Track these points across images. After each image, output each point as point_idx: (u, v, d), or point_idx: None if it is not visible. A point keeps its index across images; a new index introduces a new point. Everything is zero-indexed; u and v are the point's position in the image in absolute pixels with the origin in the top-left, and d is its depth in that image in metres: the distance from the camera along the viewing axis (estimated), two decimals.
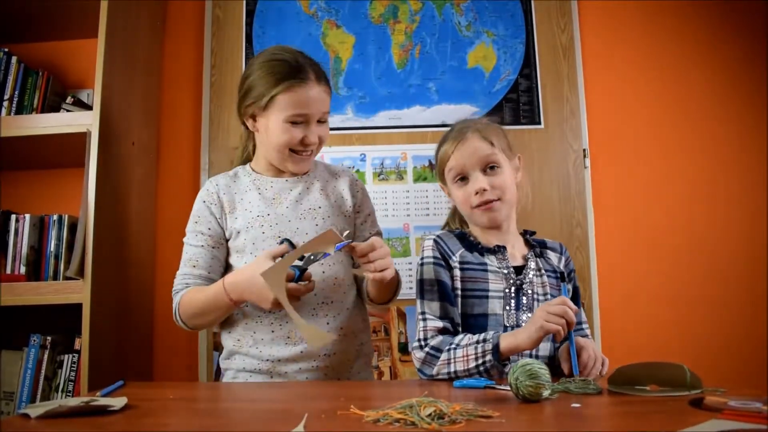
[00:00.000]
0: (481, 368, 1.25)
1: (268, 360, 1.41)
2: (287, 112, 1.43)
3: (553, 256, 1.52)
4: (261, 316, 1.44)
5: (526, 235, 1.55)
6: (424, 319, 1.39)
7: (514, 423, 0.82)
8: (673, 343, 2.33)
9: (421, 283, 1.43)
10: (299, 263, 1.30)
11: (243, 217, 1.48)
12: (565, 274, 1.51)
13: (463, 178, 1.46)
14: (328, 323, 1.43)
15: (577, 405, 0.92)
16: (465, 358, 1.27)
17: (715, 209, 2.43)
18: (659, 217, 2.44)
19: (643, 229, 2.43)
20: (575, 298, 1.52)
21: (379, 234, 1.60)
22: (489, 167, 1.44)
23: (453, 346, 1.30)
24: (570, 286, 1.51)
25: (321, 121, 1.49)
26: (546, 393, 0.94)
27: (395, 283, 1.46)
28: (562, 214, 2.43)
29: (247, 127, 1.54)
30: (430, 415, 0.81)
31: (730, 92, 2.49)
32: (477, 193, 1.43)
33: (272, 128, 1.45)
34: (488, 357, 1.24)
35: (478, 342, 1.27)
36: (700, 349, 2.31)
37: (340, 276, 1.48)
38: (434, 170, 1.61)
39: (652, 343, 2.34)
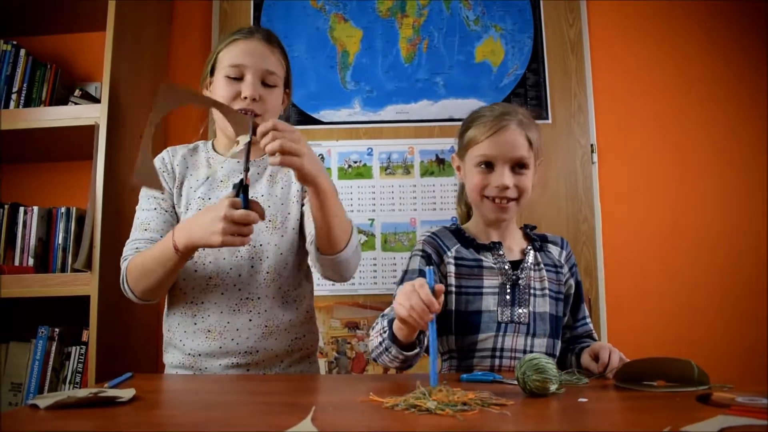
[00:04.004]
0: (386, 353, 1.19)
1: (190, 354, 1.37)
2: (225, 68, 1.40)
3: (554, 249, 1.50)
4: (185, 306, 1.39)
5: (526, 229, 1.52)
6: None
7: (521, 417, 0.82)
8: (680, 339, 2.33)
9: (404, 273, 1.42)
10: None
11: (186, 196, 1.44)
12: (567, 269, 1.50)
13: (488, 165, 1.40)
14: (250, 320, 1.37)
15: (584, 399, 0.92)
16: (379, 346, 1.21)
17: (722, 205, 2.42)
18: (666, 213, 2.43)
19: (651, 225, 2.43)
20: (578, 293, 1.51)
21: None
22: (518, 165, 1.39)
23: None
24: (573, 281, 1.50)
25: (268, 85, 1.41)
26: (553, 387, 0.94)
27: (340, 214, 1.26)
28: (569, 209, 2.42)
29: None
30: (445, 402, 0.82)
31: (738, 88, 2.48)
32: (497, 186, 1.38)
33: (214, 89, 1.43)
34: (392, 349, 1.18)
35: (382, 333, 1.21)
36: (708, 345, 2.31)
37: (266, 270, 1.40)
38: (455, 142, 1.53)
39: (659, 338, 2.33)
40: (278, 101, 1.46)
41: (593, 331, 1.51)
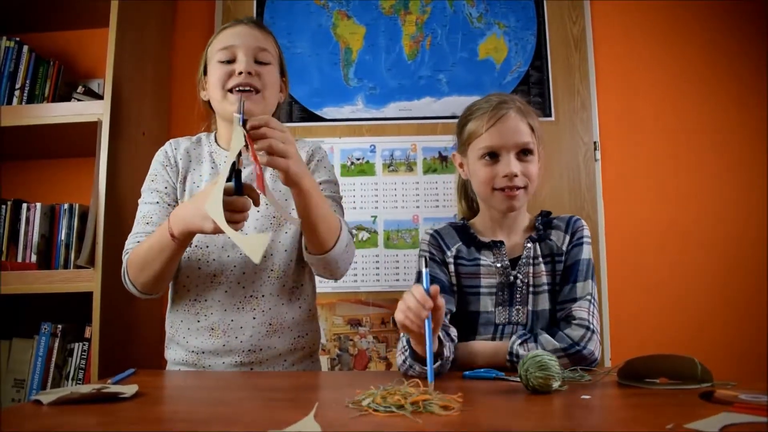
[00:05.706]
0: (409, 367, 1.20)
1: (193, 351, 1.37)
2: (216, 53, 1.40)
3: (556, 236, 1.41)
4: (188, 303, 1.39)
5: (538, 219, 1.44)
6: None
7: (524, 414, 0.82)
8: (683, 336, 2.33)
9: (418, 275, 1.41)
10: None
11: (189, 190, 1.43)
12: (570, 249, 1.39)
13: (493, 156, 1.37)
14: (254, 318, 1.37)
15: (587, 397, 0.91)
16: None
17: (724, 202, 2.41)
18: (669, 211, 2.42)
19: (653, 222, 2.42)
20: (570, 269, 1.37)
21: (334, 201, 1.44)
22: (523, 152, 1.37)
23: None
24: (570, 258, 1.39)
25: (261, 62, 1.40)
26: (556, 384, 0.94)
27: (325, 213, 1.26)
28: (572, 206, 2.42)
29: (209, 105, 1.49)
30: (383, 403, 0.83)
31: (740, 86, 2.47)
32: (506, 176, 1.35)
33: (208, 83, 1.42)
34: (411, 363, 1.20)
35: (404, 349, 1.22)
36: (710, 342, 2.31)
37: (271, 267, 1.40)
38: (456, 138, 1.51)
39: (661, 335, 2.33)
40: (275, 79, 1.44)
41: (588, 310, 1.31)
